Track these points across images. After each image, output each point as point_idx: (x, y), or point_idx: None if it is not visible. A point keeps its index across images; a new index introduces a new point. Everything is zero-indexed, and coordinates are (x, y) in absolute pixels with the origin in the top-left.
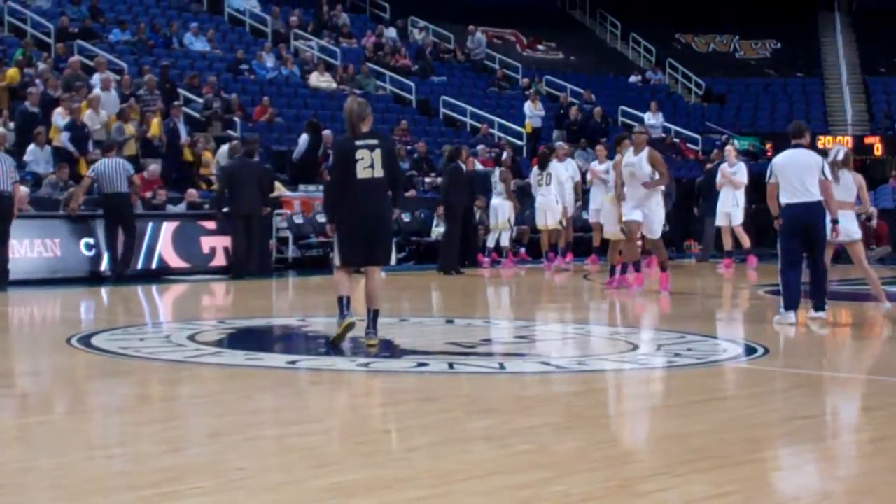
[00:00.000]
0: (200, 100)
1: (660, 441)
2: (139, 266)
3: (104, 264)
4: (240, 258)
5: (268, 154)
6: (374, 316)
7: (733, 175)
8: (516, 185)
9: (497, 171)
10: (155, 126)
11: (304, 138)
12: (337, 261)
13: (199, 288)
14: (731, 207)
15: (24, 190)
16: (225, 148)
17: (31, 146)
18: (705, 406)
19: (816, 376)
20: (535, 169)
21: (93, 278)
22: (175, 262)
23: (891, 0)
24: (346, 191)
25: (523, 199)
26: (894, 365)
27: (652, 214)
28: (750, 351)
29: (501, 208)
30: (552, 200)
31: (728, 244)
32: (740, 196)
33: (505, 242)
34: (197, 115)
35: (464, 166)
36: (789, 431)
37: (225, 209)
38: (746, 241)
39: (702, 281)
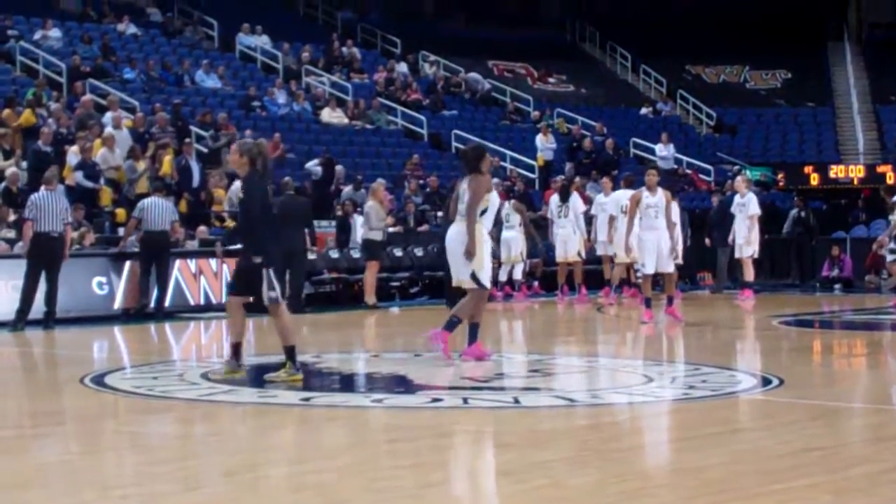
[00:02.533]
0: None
1: (675, 474)
2: (153, 304)
3: (118, 302)
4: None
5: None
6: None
7: (742, 207)
8: (528, 217)
9: (508, 204)
10: (166, 164)
11: (317, 170)
12: (281, 297)
13: (212, 325)
14: (741, 239)
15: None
16: (238, 184)
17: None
18: (720, 438)
19: (831, 407)
20: (556, 200)
21: (105, 317)
22: (188, 299)
23: None
24: (269, 228)
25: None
26: None
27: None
28: (765, 382)
29: (514, 241)
30: (570, 232)
31: (748, 275)
32: (751, 228)
33: (518, 275)
34: (205, 150)
35: None
36: (804, 463)
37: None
38: (749, 275)
39: (716, 312)
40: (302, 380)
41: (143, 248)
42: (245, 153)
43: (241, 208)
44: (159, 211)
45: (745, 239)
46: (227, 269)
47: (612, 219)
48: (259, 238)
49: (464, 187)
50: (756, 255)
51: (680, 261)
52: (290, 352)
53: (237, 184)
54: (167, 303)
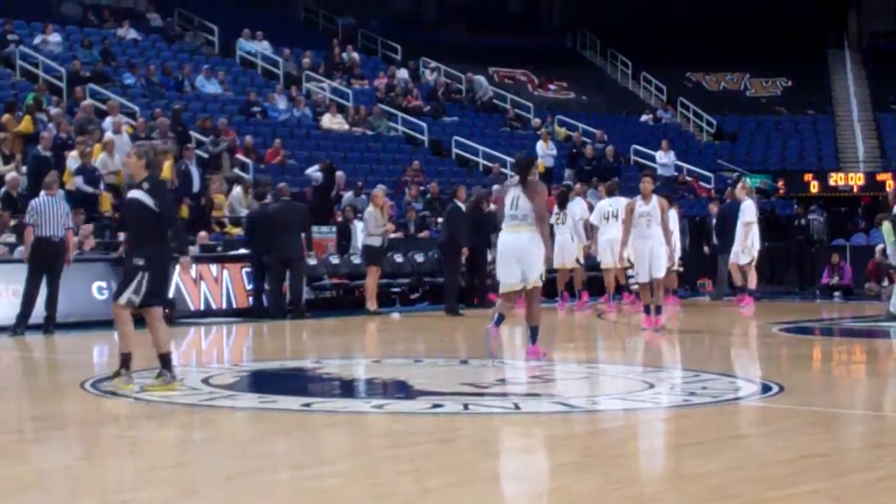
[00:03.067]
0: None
1: (676, 480)
2: None
3: None
4: (277, 301)
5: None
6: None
7: (742, 214)
8: None
9: None
10: (166, 169)
11: (317, 176)
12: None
13: (213, 331)
14: (737, 245)
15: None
16: (238, 190)
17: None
18: (720, 445)
19: (831, 414)
20: (555, 208)
21: (106, 322)
22: (189, 304)
23: None
24: (164, 233)
25: None
26: None
27: None
28: (765, 389)
29: None
30: (567, 239)
31: (750, 282)
32: (746, 235)
33: None
34: (206, 156)
35: (462, 206)
36: (804, 469)
37: (242, 250)
38: (746, 281)
39: (715, 319)
40: (129, 386)
41: None
42: (143, 156)
43: (142, 212)
44: None
45: (742, 246)
46: (227, 275)
47: (592, 227)
48: (150, 241)
49: (517, 194)
50: (753, 263)
51: (678, 268)
52: (126, 359)
53: (237, 189)
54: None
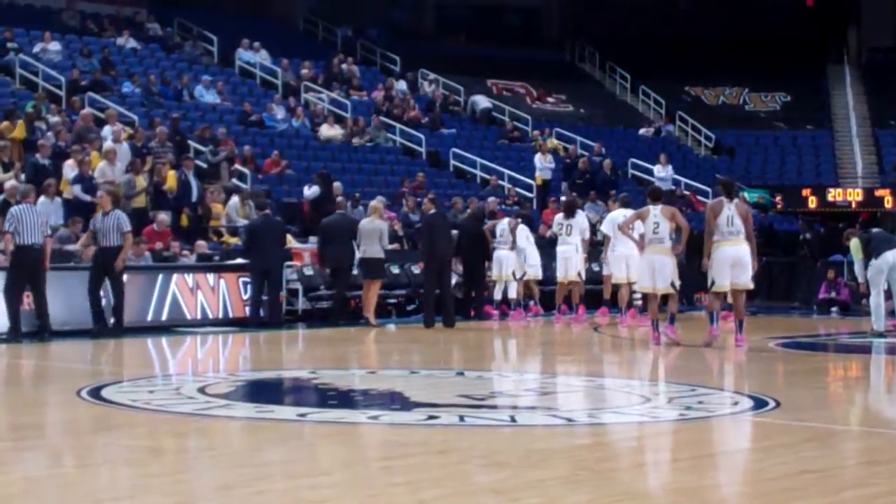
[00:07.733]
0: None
1: (671, 495)
2: (149, 318)
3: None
4: (259, 310)
5: (278, 206)
6: None
7: None
8: (538, 236)
9: (505, 221)
10: (171, 178)
11: (314, 189)
12: None
13: (209, 340)
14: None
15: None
16: (235, 199)
17: (42, 198)
18: (716, 460)
19: (826, 430)
20: (559, 218)
21: (102, 330)
22: (185, 314)
23: None
24: None
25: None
26: None
27: None
28: (761, 404)
29: (506, 260)
30: (573, 252)
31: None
32: None
33: (512, 294)
34: (205, 165)
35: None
36: (799, 486)
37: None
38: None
39: None
40: None
41: (95, 263)
42: None
43: None
44: (108, 227)
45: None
46: (224, 284)
47: (606, 239)
48: None
49: (731, 213)
50: None
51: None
52: None
53: (234, 199)
54: (164, 317)
